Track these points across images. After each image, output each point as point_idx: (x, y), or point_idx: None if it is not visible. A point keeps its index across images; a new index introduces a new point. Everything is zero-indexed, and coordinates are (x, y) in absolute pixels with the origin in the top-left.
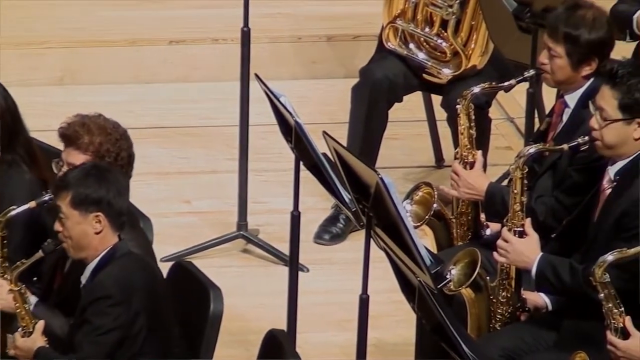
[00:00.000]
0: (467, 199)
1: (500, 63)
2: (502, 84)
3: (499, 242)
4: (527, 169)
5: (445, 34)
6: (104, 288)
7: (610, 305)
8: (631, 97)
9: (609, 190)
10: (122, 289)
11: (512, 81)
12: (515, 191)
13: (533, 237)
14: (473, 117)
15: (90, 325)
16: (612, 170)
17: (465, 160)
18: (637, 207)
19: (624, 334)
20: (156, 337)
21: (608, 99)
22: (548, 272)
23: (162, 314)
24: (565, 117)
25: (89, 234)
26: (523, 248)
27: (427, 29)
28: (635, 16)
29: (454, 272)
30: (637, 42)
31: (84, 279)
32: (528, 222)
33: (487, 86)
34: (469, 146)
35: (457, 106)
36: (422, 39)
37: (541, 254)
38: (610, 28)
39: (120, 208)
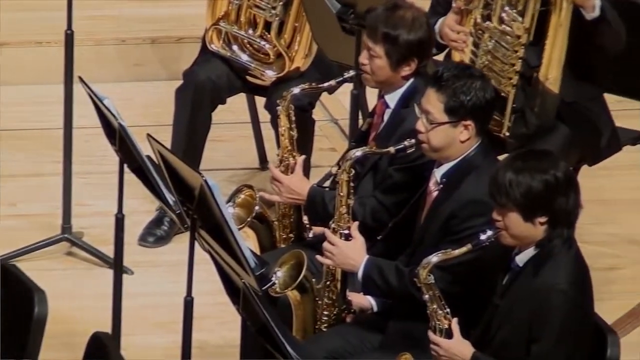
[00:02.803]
0: (289, 203)
1: (325, 65)
2: (322, 85)
3: (325, 244)
4: (353, 172)
5: (269, 35)
6: None
7: (435, 306)
8: (457, 99)
9: (436, 193)
10: None
11: (332, 82)
12: (342, 194)
13: (359, 240)
14: (294, 119)
15: None
16: (438, 173)
17: (286, 162)
18: (465, 210)
19: (449, 335)
20: None
21: (434, 102)
22: (374, 275)
23: None
24: (386, 117)
25: None
26: (349, 251)
27: (250, 31)
28: (436, 26)
29: (280, 274)
30: (446, 51)
31: None
32: (354, 225)
33: (307, 87)
34: (290, 147)
35: (278, 107)
36: (245, 40)
37: (367, 257)
38: (429, 29)
39: None
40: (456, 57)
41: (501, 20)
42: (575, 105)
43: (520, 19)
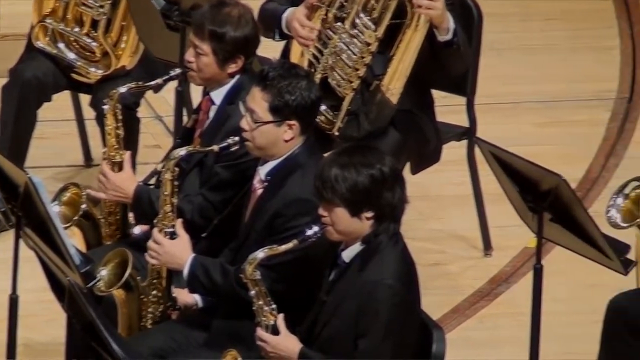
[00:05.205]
0: (115, 201)
1: (151, 63)
2: (148, 84)
3: (150, 243)
4: (177, 171)
5: (96, 34)
6: None
7: (261, 302)
8: (281, 99)
9: (260, 190)
10: None
11: (159, 80)
12: (166, 193)
13: (184, 238)
14: (120, 117)
15: None
16: (262, 171)
17: (113, 161)
18: (290, 208)
19: (275, 331)
20: None
21: (259, 101)
22: (200, 274)
23: None
24: (211, 114)
25: None
26: (174, 250)
27: (77, 29)
28: (284, 15)
29: (104, 272)
30: (286, 41)
31: None
32: (179, 222)
33: (133, 86)
34: (116, 146)
35: (104, 107)
36: (71, 38)
37: (193, 255)
38: (255, 25)
39: None
40: (296, 50)
41: (353, 25)
42: (409, 114)
43: (373, 27)
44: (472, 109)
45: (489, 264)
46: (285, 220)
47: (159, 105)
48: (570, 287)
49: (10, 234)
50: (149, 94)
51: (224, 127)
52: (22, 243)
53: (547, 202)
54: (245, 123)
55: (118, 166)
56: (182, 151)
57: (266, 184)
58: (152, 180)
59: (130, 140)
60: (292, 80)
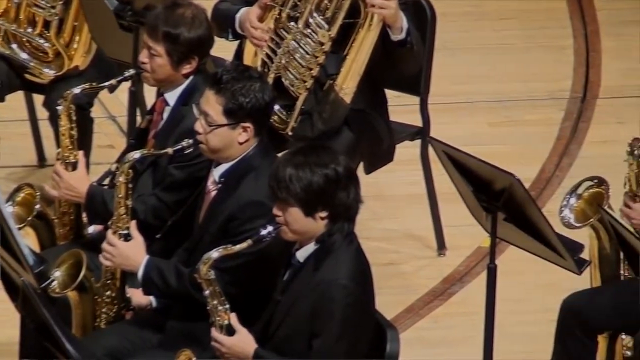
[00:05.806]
0: (68, 200)
1: (105, 63)
2: (102, 84)
3: (104, 245)
4: (131, 174)
5: (48, 34)
6: None
7: (215, 302)
8: (235, 102)
9: (214, 192)
10: None
11: (113, 81)
12: (120, 195)
13: (138, 240)
14: (74, 118)
15: None
16: (216, 172)
17: (67, 161)
18: (244, 211)
19: (230, 331)
20: None
21: (213, 104)
22: (154, 276)
23: None
24: (165, 115)
25: None
26: (128, 252)
27: (29, 29)
28: (237, 15)
29: (58, 274)
30: (239, 41)
31: None
32: (133, 224)
33: (87, 87)
34: (70, 147)
35: (58, 107)
36: (24, 39)
37: (147, 257)
38: (209, 26)
39: None
40: (250, 50)
41: (307, 25)
42: (362, 113)
43: (326, 26)
44: (425, 109)
45: (443, 264)
46: (239, 223)
47: (112, 105)
48: (524, 287)
49: None
50: (103, 93)
51: (178, 128)
52: None
53: (500, 201)
54: (199, 126)
55: (72, 166)
56: (136, 154)
57: (220, 185)
58: (106, 181)
59: (83, 141)
60: (245, 83)
